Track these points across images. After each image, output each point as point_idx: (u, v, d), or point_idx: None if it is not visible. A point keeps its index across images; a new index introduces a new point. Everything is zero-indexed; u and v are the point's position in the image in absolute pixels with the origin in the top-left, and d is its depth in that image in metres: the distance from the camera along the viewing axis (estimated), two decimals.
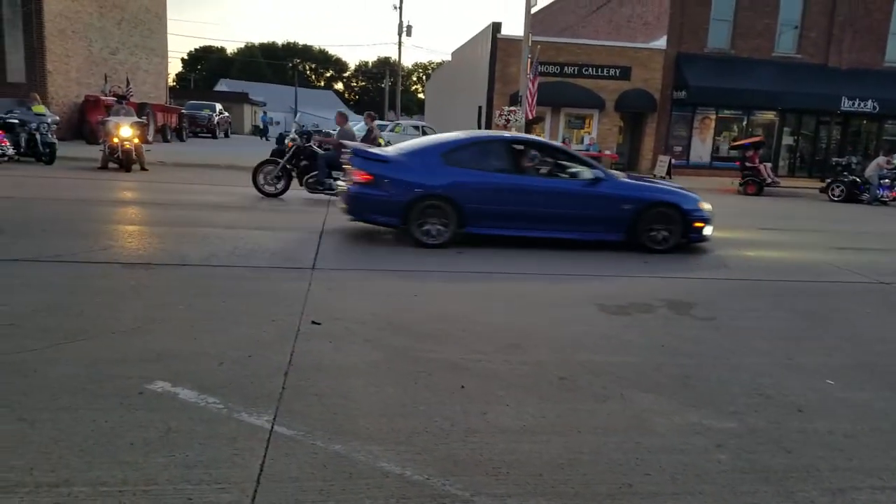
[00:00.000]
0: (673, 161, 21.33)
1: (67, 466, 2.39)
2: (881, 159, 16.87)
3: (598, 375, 3.67)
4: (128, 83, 23.34)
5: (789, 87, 21.77)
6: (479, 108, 23.03)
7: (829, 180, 17.66)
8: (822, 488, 2.61)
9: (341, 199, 7.79)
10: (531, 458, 2.69)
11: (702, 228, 7.76)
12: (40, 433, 2.61)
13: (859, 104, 22.04)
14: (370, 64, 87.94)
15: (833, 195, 17.01)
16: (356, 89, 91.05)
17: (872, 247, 9.40)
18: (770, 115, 23.26)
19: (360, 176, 7.12)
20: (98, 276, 5.19)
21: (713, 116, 23.12)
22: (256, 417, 2.87)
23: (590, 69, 21.93)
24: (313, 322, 4.22)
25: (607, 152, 22.22)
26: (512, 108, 18.55)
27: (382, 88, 63.11)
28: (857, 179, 16.79)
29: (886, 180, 16.43)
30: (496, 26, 21.81)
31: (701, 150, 23.36)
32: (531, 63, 17.72)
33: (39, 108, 14.25)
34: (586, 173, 7.63)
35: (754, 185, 17.69)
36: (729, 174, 19.95)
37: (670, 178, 20.64)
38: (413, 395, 3.22)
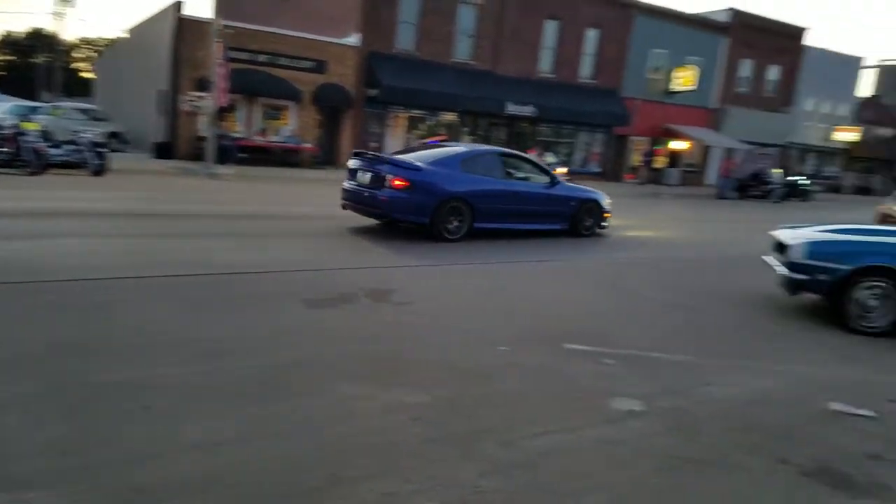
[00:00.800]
0: None
1: None
2: (532, 157, 20.10)
3: (305, 371, 3.62)
4: None
5: (466, 90, 24.54)
6: (162, 92, 20.96)
7: None
8: (498, 442, 2.97)
9: (358, 202, 8.85)
10: (231, 471, 2.52)
11: (607, 218, 10.50)
12: None
13: (521, 108, 25.98)
14: (16, 34, 73.12)
15: None
16: (1, 64, 74.90)
17: None
18: (452, 116, 25.90)
19: (397, 182, 8.20)
20: None
21: (404, 115, 24.83)
22: None
23: (284, 59, 21.61)
24: None
25: (306, 145, 22.26)
26: (200, 94, 17.29)
27: (36, 64, 53.18)
28: None
29: None
30: (177, 5, 20.03)
31: (394, 146, 24.88)
32: (221, 48, 16.74)
33: None
34: (545, 178, 9.89)
35: None
36: None
37: None
38: (85, 427, 2.76)
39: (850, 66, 36.99)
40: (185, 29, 19.93)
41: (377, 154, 9.46)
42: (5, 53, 75.65)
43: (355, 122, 23.52)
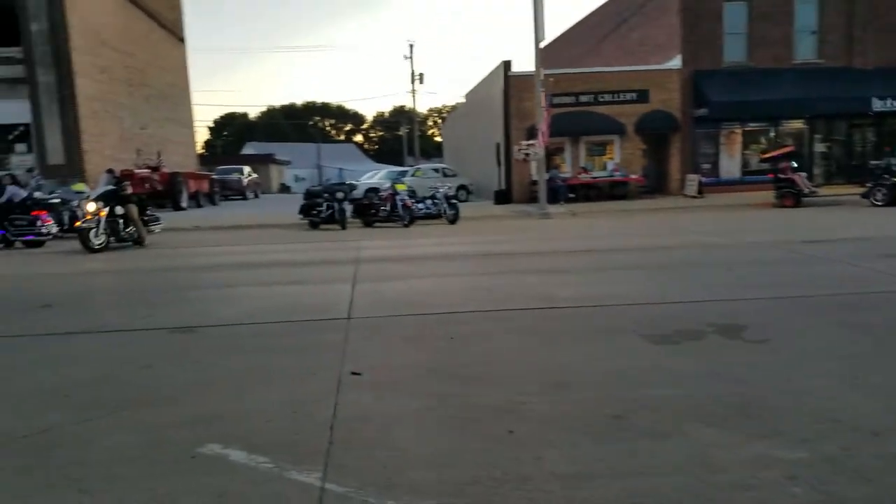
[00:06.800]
0: (703, 179, 21.06)
1: None
2: None
3: (653, 411, 3.52)
4: (159, 155, 24.27)
5: (814, 93, 21.42)
6: (498, 144, 23.23)
7: (870, 185, 17.04)
8: None
9: None
10: None
11: None
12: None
13: (891, 103, 21.50)
14: (386, 114, 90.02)
15: (875, 200, 16.39)
16: (375, 139, 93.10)
17: None
18: (798, 124, 22.86)
19: None
20: (143, 343, 5.26)
21: (739, 130, 22.84)
22: (306, 475, 2.82)
23: (606, 96, 22.01)
24: (353, 373, 4.19)
25: (633, 176, 22.07)
26: (530, 141, 18.69)
27: (400, 136, 64.49)
28: None
29: None
30: (507, 64, 22.16)
31: (730, 165, 23.02)
32: (544, 96, 17.90)
33: (79, 187, 14.67)
34: None
35: (791, 196, 17.26)
36: (763, 188, 19.53)
37: (702, 196, 20.36)
38: (461, 444, 3.13)
39: None
40: (513, 84, 21.90)
41: None
42: (378, 130, 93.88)
43: (683, 146, 22.48)
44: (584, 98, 22.04)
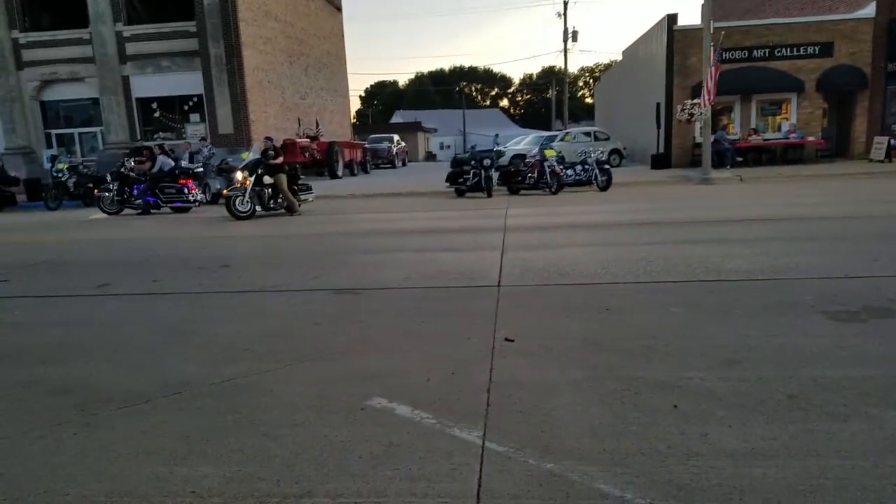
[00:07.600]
0: (893, 142, 18.47)
1: (308, 479, 2.62)
2: None
3: (834, 392, 3.23)
4: (317, 124, 25.88)
5: None
6: (658, 104, 21.90)
7: None
8: None
9: None
10: (765, 484, 2.43)
11: None
12: (282, 447, 2.91)
13: None
14: (534, 76, 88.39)
15: None
16: (521, 103, 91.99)
17: None
18: None
19: None
20: (313, 302, 5.73)
21: None
22: (468, 433, 2.94)
23: (783, 50, 19.86)
24: (506, 339, 4.26)
25: (811, 138, 19.89)
26: (695, 100, 17.39)
27: (548, 98, 63.15)
28: None
29: None
30: (671, 18, 20.70)
31: None
32: (714, 51, 16.54)
33: (246, 155, 16.07)
34: None
35: None
36: None
37: (891, 161, 17.93)
38: (621, 415, 3.08)
39: None
40: (678, 39, 20.48)
41: None
42: (524, 94, 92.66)
43: (872, 105, 19.82)
44: (757, 53, 20.07)
